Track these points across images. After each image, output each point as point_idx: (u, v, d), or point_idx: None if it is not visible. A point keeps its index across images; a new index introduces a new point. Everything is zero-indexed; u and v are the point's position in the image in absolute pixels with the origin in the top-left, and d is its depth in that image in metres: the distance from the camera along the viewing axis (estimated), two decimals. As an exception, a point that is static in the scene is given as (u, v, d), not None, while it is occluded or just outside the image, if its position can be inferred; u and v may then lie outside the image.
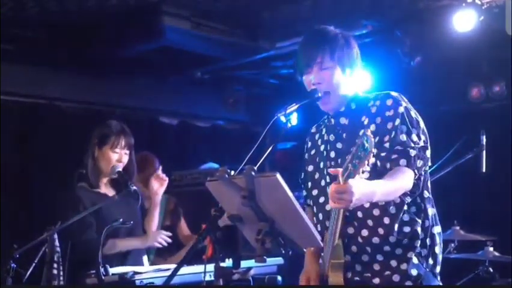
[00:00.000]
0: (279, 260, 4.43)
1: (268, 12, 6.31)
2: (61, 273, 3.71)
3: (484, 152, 5.38)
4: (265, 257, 2.76)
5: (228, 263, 2.98)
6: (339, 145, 3.20)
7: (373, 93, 3.24)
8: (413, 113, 3.09)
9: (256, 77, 8.29)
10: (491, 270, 5.56)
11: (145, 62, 7.00)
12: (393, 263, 3.05)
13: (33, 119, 7.00)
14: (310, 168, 3.38)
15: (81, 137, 4.82)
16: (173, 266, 3.30)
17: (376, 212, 3.04)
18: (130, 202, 4.49)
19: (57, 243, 3.75)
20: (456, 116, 7.35)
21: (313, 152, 3.41)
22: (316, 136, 3.42)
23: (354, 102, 3.21)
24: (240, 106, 8.73)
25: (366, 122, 3.11)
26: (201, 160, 7.38)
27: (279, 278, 3.99)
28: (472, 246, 5.69)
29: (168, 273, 3.09)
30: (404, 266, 3.04)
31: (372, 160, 2.70)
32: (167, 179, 4.88)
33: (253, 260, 2.79)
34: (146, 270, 3.71)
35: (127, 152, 4.56)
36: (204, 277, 3.01)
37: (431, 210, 3.15)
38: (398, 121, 3.01)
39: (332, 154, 3.23)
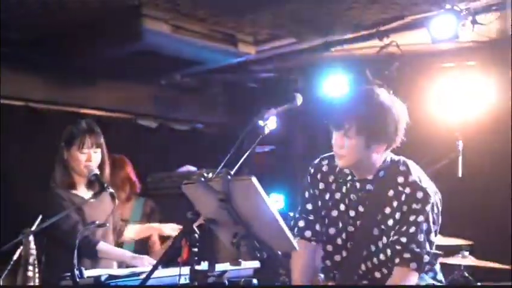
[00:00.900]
0: (255, 263, 4.43)
1: (248, 16, 6.32)
2: (37, 275, 3.68)
3: (460, 157, 5.43)
4: (240, 260, 2.78)
5: (204, 266, 2.98)
6: (360, 208, 3.21)
7: (402, 165, 3.18)
8: (437, 209, 3.14)
9: (235, 81, 8.30)
10: (466, 275, 5.60)
11: (124, 64, 6.97)
12: None
13: (11, 120, 6.95)
14: (323, 212, 3.36)
15: (58, 139, 4.80)
16: (148, 269, 3.28)
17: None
18: (106, 204, 4.48)
19: (32, 245, 3.72)
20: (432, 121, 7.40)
21: (327, 196, 3.35)
22: (330, 179, 3.36)
23: (383, 171, 3.19)
24: (219, 109, 8.74)
25: (395, 204, 3.11)
26: (179, 163, 7.36)
27: (255, 281, 4.00)
28: (448, 251, 5.72)
29: (143, 276, 3.09)
30: None
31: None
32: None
33: (228, 263, 2.80)
34: (121, 274, 3.69)
35: (96, 150, 4.52)
36: (179, 280, 3.01)
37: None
38: (421, 218, 3.05)
39: (352, 213, 3.25)
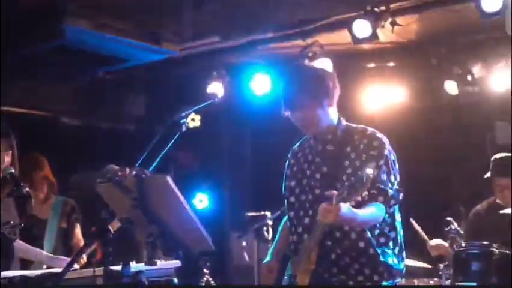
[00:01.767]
0: (176, 263, 4.42)
1: (172, 14, 6.30)
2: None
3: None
4: (156, 260, 2.77)
5: (119, 266, 2.95)
6: (324, 169, 3.47)
7: (359, 126, 3.53)
8: (393, 156, 3.43)
9: (159, 78, 8.25)
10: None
11: (45, 61, 6.85)
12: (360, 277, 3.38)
13: None
14: (292, 183, 3.62)
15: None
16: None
17: (353, 235, 3.35)
18: (20, 204, 4.39)
19: None
20: (356, 120, 7.52)
21: (295, 168, 3.64)
22: (299, 155, 3.67)
23: (340, 130, 3.49)
24: (143, 107, 8.67)
25: (352, 156, 3.39)
26: (103, 162, 7.28)
27: (175, 280, 4.00)
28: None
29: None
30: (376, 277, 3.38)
31: (365, 193, 3.02)
32: None
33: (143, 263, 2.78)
34: (35, 275, 3.63)
35: (8, 153, 4.42)
36: (94, 280, 2.98)
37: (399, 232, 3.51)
38: (381, 161, 3.32)
39: (317, 176, 3.49)
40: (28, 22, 6.04)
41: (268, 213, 6.40)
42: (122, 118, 8.62)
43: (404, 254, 3.53)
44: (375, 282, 3.35)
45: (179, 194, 2.69)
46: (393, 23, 6.13)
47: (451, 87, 7.22)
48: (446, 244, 5.29)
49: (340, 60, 6.90)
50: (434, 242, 5.46)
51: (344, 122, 3.52)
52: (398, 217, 3.50)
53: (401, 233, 3.52)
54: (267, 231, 6.24)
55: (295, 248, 3.51)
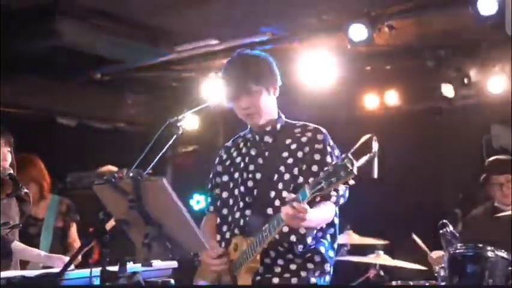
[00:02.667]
0: (173, 264, 4.43)
1: (169, 16, 6.31)
2: None
3: (376, 158, 5.53)
4: (151, 261, 2.78)
5: (115, 266, 2.96)
6: (260, 160, 3.40)
7: (299, 122, 3.45)
8: (337, 151, 3.35)
9: (157, 80, 8.27)
10: (381, 273, 5.74)
11: (42, 61, 6.86)
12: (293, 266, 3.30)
13: None
14: (224, 178, 3.55)
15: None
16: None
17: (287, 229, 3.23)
18: (18, 204, 4.40)
19: None
20: (351, 123, 7.55)
21: (228, 163, 3.57)
22: (232, 149, 3.59)
23: (280, 124, 3.44)
24: (141, 108, 8.69)
25: (293, 147, 3.33)
26: (100, 163, 7.28)
27: (172, 281, 4.01)
28: (364, 250, 5.86)
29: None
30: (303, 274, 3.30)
31: (351, 182, 2.98)
32: None
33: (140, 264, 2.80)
34: (34, 275, 3.63)
35: (10, 150, 4.43)
36: (90, 281, 2.99)
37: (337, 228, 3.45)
38: (327, 157, 3.26)
39: (251, 167, 3.41)
40: (24, 22, 6.07)
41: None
42: (119, 119, 8.63)
43: (336, 244, 3.43)
44: (308, 269, 3.28)
45: (175, 196, 2.71)
46: (389, 27, 6.16)
47: (447, 90, 7.25)
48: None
49: (337, 62, 6.94)
50: (435, 254, 5.48)
51: (283, 117, 3.46)
52: (337, 212, 3.39)
53: (337, 228, 3.43)
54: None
55: (227, 244, 3.39)
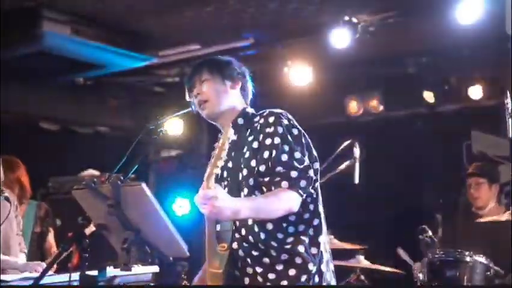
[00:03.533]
0: (154, 268, 4.44)
1: (152, 20, 6.33)
2: None
3: (357, 163, 5.57)
4: (130, 266, 2.79)
5: (94, 271, 2.98)
6: (229, 164, 3.14)
7: (262, 111, 3.21)
8: (296, 130, 3.07)
9: (140, 85, 8.28)
10: (362, 277, 5.77)
11: (24, 66, 6.86)
12: (271, 275, 3.02)
13: None
14: None
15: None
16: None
17: (256, 228, 3.00)
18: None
19: None
20: (333, 128, 7.59)
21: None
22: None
23: (241, 117, 3.24)
24: (124, 113, 8.68)
25: (250, 139, 3.11)
26: (82, 167, 7.29)
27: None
28: (345, 254, 5.88)
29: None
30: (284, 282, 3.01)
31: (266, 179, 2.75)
32: None
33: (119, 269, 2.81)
34: (12, 279, 3.64)
35: None
36: (69, 285, 3.00)
37: (322, 227, 3.12)
38: (278, 140, 3.00)
39: (225, 174, 3.17)
40: (7, 27, 6.04)
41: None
42: (102, 124, 8.62)
43: (321, 238, 3.07)
44: (291, 276, 2.97)
45: (154, 201, 2.72)
46: (371, 33, 6.21)
47: (428, 96, 7.31)
48: None
49: (318, 68, 6.99)
50: (418, 265, 5.54)
51: (250, 110, 3.28)
52: (320, 198, 3.12)
53: (323, 217, 3.11)
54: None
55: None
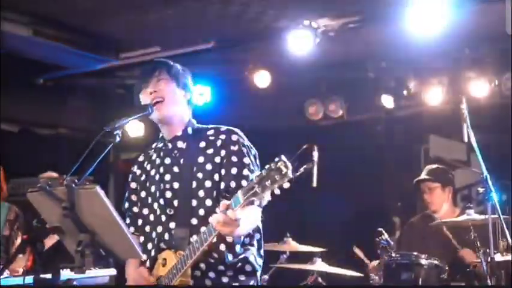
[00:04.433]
0: (111, 271, 4.44)
1: (113, 22, 6.32)
2: None
3: (316, 167, 5.62)
4: (84, 268, 2.78)
5: (49, 274, 2.97)
6: (175, 169, 3.27)
7: (210, 125, 3.36)
8: (253, 150, 3.28)
9: (101, 86, 8.24)
10: (319, 279, 5.82)
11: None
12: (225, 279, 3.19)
13: None
14: (142, 194, 3.41)
15: None
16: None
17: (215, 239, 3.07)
18: None
19: None
20: (293, 132, 7.64)
21: (143, 178, 3.44)
22: (145, 163, 3.47)
23: (191, 127, 3.35)
24: (85, 115, 8.63)
25: (209, 151, 3.22)
26: (42, 169, 7.23)
27: (110, 288, 4.02)
28: (302, 256, 5.93)
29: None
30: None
31: (286, 185, 2.70)
32: None
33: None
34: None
35: None
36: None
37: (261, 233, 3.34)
38: (244, 158, 3.19)
39: (167, 177, 3.29)
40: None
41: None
42: (62, 125, 8.56)
43: (262, 251, 3.33)
44: (241, 281, 3.18)
45: (109, 204, 2.72)
46: (331, 38, 6.27)
47: (386, 100, 7.40)
48: None
49: (278, 72, 7.04)
50: (373, 263, 5.61)
51: (195, 122, 3.39)
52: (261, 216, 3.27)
53: (261, 232, 3.32)
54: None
55: (153, 262, 3.25)
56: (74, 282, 3.25)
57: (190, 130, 3.34)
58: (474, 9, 5.90)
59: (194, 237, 3.06)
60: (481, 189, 4.63)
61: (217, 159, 3.20)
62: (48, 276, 2.92)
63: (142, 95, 3.36)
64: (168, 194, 3.27)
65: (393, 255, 5.07)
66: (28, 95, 7.95)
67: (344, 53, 6.92)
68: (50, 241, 3.09)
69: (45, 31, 6.15)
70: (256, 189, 2.71)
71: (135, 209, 3.44)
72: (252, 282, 3.22)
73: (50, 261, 2.94)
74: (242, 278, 3.20)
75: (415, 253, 5.00)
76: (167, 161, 3.33)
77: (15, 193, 6.47)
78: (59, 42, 6.31)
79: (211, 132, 3.30)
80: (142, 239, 3.35)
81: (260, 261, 3.31)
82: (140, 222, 3.40)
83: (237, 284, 3.18)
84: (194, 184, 3.19)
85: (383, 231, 5.15)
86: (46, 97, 8.15)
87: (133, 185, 3.48)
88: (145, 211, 3.38)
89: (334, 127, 7.74)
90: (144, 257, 3.24)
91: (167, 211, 3.25)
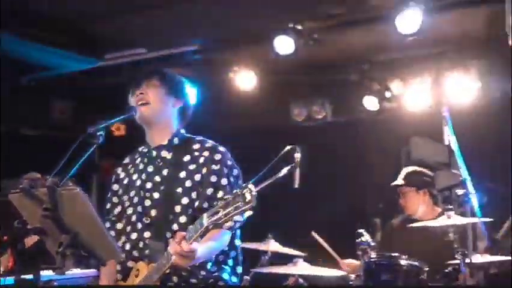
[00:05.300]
0: (94, 272, 4.45)
1: (99, 24, 6.33)
2: None
3: (298, 168, 5.65)
4: (64, 269, 2.80)
5: (30, 275, 2.98)
6: (157, 178, 3.29)
7: (197, 137, 3.39)
8: (236, 171, 3.28)
9: (85, 87, 8.23)
10: (301, 280, 5.85)
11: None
12: None
13: None
14: (125, 198, 3.42)
15: None
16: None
17: None
18: None
19: None
20: (277, 133, 7.66)
21: (126, 181, 3.46)
22: (129, 166, 3.49)
23: (177, 138, 3.37)
24: (69, 115, 8.62)
25: (191, 167, 3.23)
26: (26, 170, 7.21)
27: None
28: (284, 257, 5.95)
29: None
30: None
31: (248, 213, 2.73)
32: None
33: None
34: None
35: None
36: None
37: (239, 250, 3.36)
38: (222, 179, 3.20)
39: (148, 185, 3.31)
40: None
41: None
42: (47, 126, 8.54)
43: (239, 269, 3.36)
44: None
45: (90, 205, 2.74)
46: (314, 41, 6.31)
47: (369, 102, 7.45)
48: (358, 262, 5.44)
49: (263, 74, 7.07)
50: (346, 261, 5.66)
51: (183, 132, 3.41)
52: (237, 233, 3.32)
53: (239, 249, 3.36)
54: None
55: (125, 270, 3.28)
56: (56, 283, 3.29)
57: (176, 140, 3.36)
58: (457, 12, 5.96)
59: (166, 252, 3.01)
60: (460, 192, 4.69)
61: (197, 177, 3.21)
62: (29, 276, 2.95)
63: (130, 98, 3.41)
64: (147, 203, 3.29)
65: (372, 256, 5.11)
66: (12, 95, 7.94)
67: (328, 55, 6.95)
68: (30, 241, 3.10)
69: (30, 31, 6.14)
70: (220, 215, 2.71)
71: (116, 211, 3.45)
72: None
73: (31, 262, 2.95)
74: None
75: (395, 254, 5.04)
76: (150, 168, 3.35)
77: (0, 194, 6.46)
78: (44, 43, 6.30)
79: (197, 146, 3.32)
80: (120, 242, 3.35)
81: (235, 279, 3.32)
82: (119, 226, 3.40)
83: None
84: (173, 198, 3.21)
85: (364, 232, 5.19)
86: (30, 97, 8.14)
87: (115, 186, 3.50)
88: (121, 215, 3.39)
89: (317, 128, 7.77)
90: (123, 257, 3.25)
91: (144, 219, 3.26)
